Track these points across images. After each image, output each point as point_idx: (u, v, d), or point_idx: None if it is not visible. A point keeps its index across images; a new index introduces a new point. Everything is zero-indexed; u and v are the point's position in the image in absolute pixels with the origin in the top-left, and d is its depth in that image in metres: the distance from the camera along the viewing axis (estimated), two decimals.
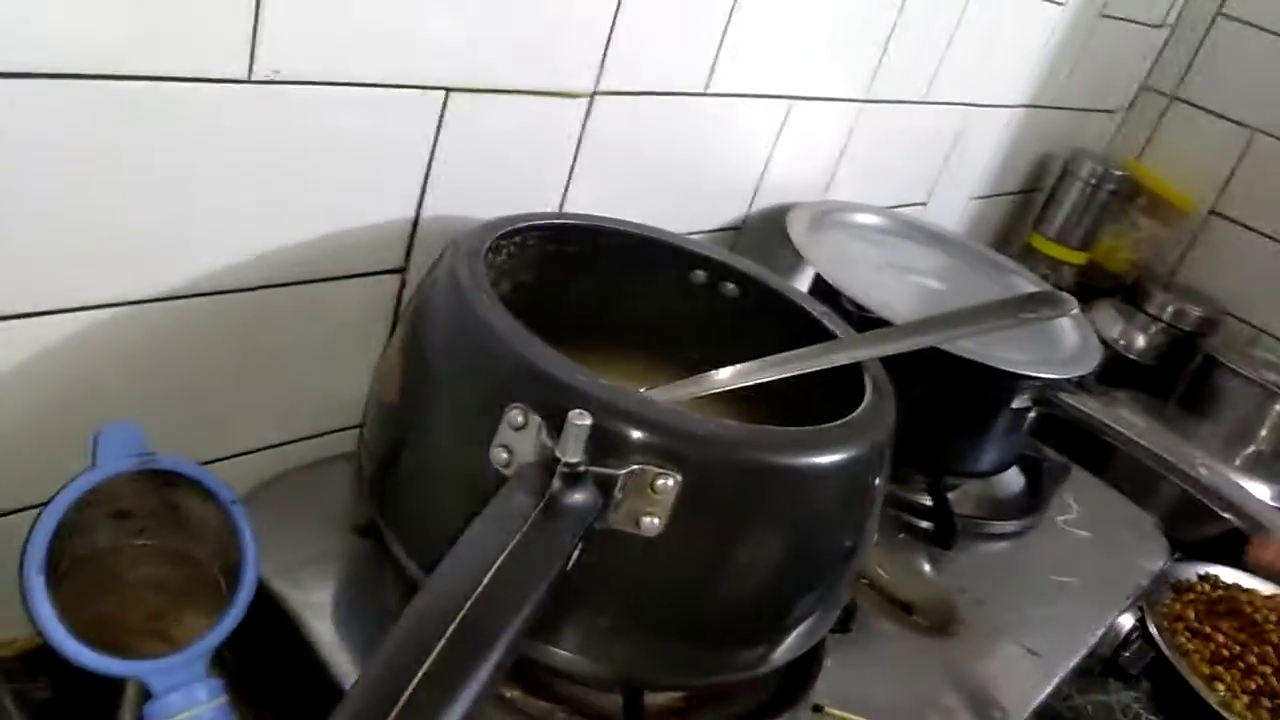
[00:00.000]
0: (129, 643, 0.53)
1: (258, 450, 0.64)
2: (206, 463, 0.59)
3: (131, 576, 0.56)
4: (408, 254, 0.64)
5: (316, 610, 0.56)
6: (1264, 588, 0.97)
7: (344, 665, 0.54)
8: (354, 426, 0.69)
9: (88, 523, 0.53)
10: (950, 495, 0.83)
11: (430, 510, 0.53)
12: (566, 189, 0.72)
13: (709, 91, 0.76)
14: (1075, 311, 0.57)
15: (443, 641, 0.32)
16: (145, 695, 0.50)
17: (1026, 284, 0.98)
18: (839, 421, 0.52)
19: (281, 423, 0.65)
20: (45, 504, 0.50)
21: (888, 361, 0.60)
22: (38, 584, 0.48)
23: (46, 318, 0.50)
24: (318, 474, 0.66)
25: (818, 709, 0.60)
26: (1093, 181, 1.27)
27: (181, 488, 0.55)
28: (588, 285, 0.67)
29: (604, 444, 0.44)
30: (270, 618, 0.56)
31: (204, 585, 0.56)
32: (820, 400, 0.56)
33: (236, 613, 0.52)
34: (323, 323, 0.62)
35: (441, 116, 0.60)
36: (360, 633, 0.56)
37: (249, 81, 0.50)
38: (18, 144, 0.44)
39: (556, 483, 0.41)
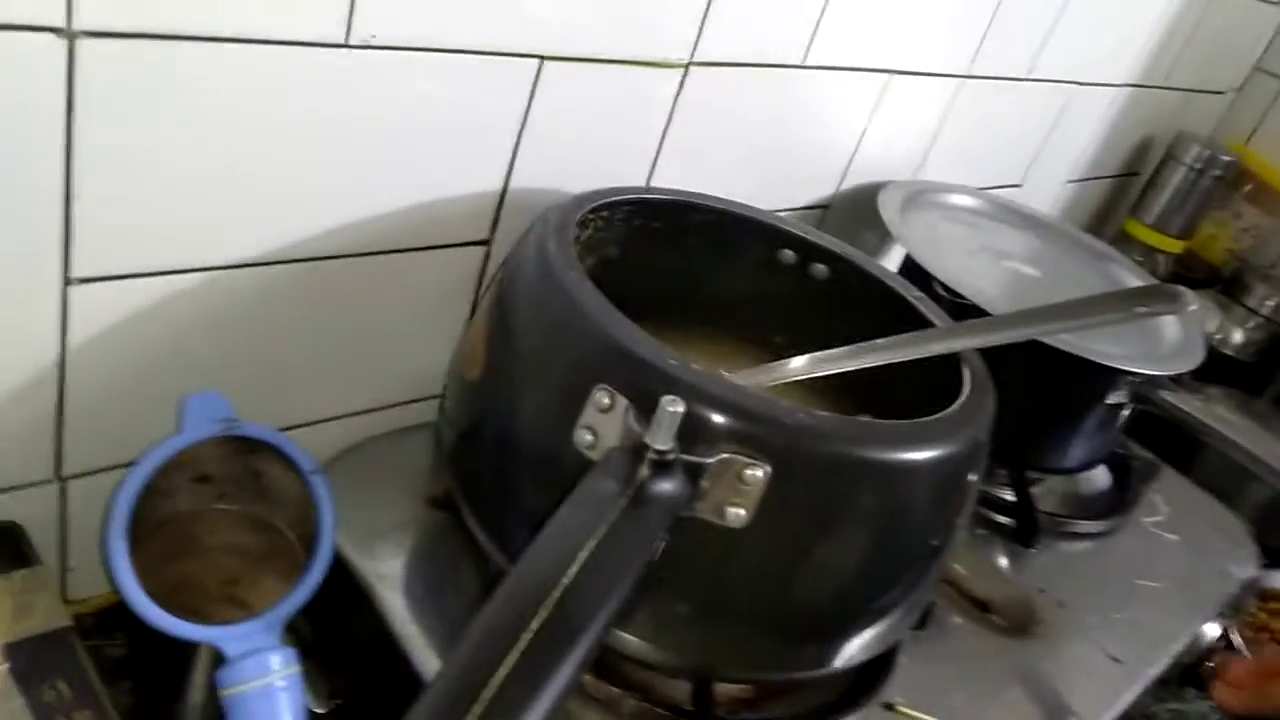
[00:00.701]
0: (205, 607, 0.53)
1: (339, 418, 0.64)
2: (287, 428, 0.59)
3: (210, 541, 0.56)
4: (494, 226, 0.63)
5: (389, 582, 0.56)
6: None
7: (414, 638, 0.54)
8: (434, 396, 0.68)
9: (171, 486, 0.53)
10: (1034, 491, 0.80)
11: (509, 487, 0.52)
12: (655, 162, 0.70)
13: (806, 64, 0.74)
14: (1191, 310, 0.54)
15: (530, 632, 0.31)
16: (219, 660, 0.50)
17: (1123, 271, 0.94)
18: (935, 416, 0.50)
19: (363, 391, 0.65)
20: (130, 465, 0.51)
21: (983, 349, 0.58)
22: (119, 546, 0.48)
23: (134, 280, 0.50)
24: (396, 444, 0.66)
25: (889, 707, 0.59)
26: (1197, 166, 1.22)
27: (263, 455, 0.55)
28: (674, 261, 0.66)
29: (693, 431, 0.43)
30: (344, 588, 0.55)
31: (281, 552, 0.56)
32: (912, 389, 0.54)
33: (312, 581, 0.52)
34: (406, 293, 0.62)
35: (534, 86, 0.58)
36: (432, 607, 0.56)
37: (345, 46, 0.49)
38: (107, 102, 0.44)
39: (645, 470, 0.40)
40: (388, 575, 0.57)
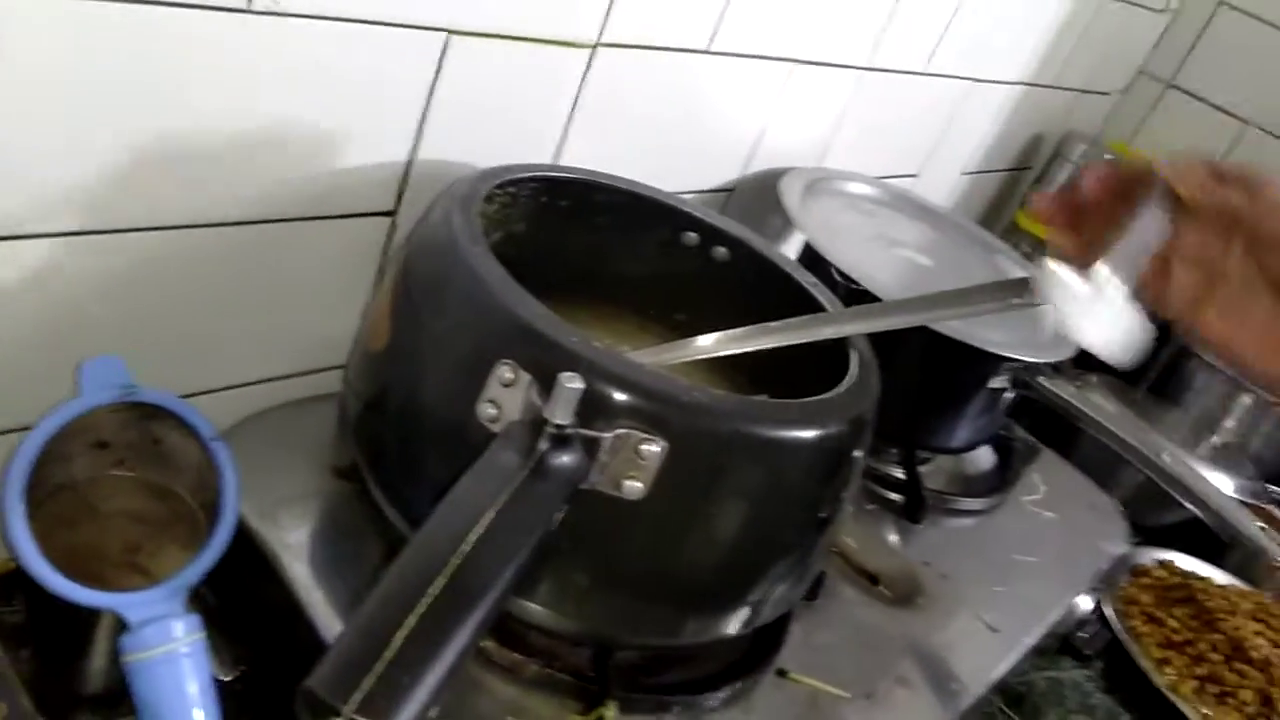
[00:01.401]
0: (106, 574, 0.53)
1: (241, 386, 0.64)
2: (189, 396, 0.59)
3: (109, 508, 0.55)
4: (399, 197, 0.64)
5: (294, 551, 0.57)
6: (1218, 577, 0.99)
7: (319, 607, 0.54)
8: (338, 366, 0.68)
9: (68, 452, 0.53)
10: (922, 470, 0.84)
11: (413, 459, 0.53)
12: (562, 142, 0.71)
13: (711, 50, 0.75)
14: None
15: (431, 596, 0.32)
16: (121, 627, 0.50)
17: (1010, 263, 0.99)
18: (823, 396, 0.53)
19: (266, 359, 0.65)
20: (26, 430, 0.50)
21: (872, 335, 0.60)
22: (16, 509, 0.48)
23: (28, 241, 0.49)
24: (300, 413, 0.66)
25: (782, 674, 0.61)
26: (1083, 164, 1.28)
27: (163, 421, 0.55)
28: (579, 240, 0.67)
29: (592, 407, 0.44)
30: (248, 556, 0.56)
31: (183, 520, 0.56)
32: (803, 369, 0.56)
33: (215, 549, 0.52)
34: (310, 261, 0.62)
35: (441, 59, 0.59)
36: (337, 575, 0.56)
37: (249, 11, 0.49)
38: (14, 64, 0.43)
39: (544, 443, 0.42)
40: (293, 544, 0.57)
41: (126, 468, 0.56)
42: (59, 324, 0.53)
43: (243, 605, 0.57)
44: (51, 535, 0.50)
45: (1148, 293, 0.46)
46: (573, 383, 0.41)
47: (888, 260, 0.89)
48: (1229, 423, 1.22)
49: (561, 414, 0.42)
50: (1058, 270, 0.44)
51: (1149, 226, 0.45)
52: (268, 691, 0.55)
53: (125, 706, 0.51)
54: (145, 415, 0.54)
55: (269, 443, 0.63)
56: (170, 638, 0.49)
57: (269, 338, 0.64)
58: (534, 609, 0.50)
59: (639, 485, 0.46)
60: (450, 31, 0.58)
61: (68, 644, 0.54)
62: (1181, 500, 0.75)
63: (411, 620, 0.31)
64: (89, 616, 0.53)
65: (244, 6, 0.49)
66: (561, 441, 0.42)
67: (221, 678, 0.54)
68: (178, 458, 0.56)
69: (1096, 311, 0.44)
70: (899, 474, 0.83)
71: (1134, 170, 0.47)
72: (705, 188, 0.87)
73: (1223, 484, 1.11)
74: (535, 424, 0.43)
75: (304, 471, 0.62)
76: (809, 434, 0.50)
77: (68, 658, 0.54)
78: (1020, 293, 0.57)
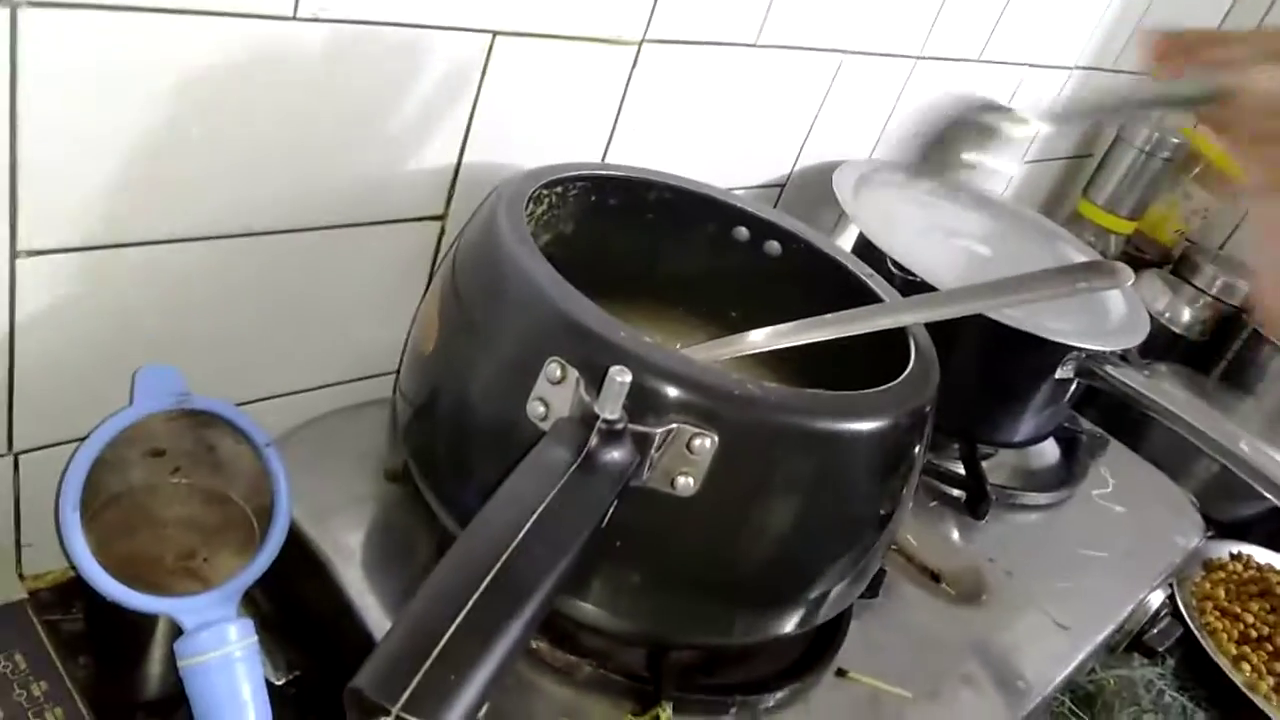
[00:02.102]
0: (162, 580, 0.54)
1: (294, 393, 0.65)
2: (243, 404, 0.59)
3: (165, 515, 0.56)
4: (448, 201, 0.63)
5: (346, 554, 0.57)
6: None
7: (372, 610, 0.54)
8: (390, 373, 0.68)
9: (124, 461, 0.54)
10: (985, 465, 0.82)
11: (464, 460, 0.53)
12: (610, 140, 0.70)
13: (759, 43, 0.74)
14: (1129, 284, 0.55)
15: (479, 593, 0.32)
16: (176, 632, 0.50)
17: (1074, 252, 0.96)
18: (881, 387, 0.51)
19: (318, 367, 0.65)
20: (83, 440, 0.51)
21: (930, 325, 0.59)
22: (73, 519, 0.48)
23: (83, 253, 0.50)
24: (352, 419, 0.66)
25: (841, 673, 0.60)
26: (1147, 148, 1.24)
27: (217, 428, 0.55)
28: (629, 238, 0.66)
29: (642, 402, 0.44)
30: (301, 561, 0.56)
31: (237, 526, 0.56)
32: (863, 364, 0.55)
33: (269, 553, 0.53)
34: (361, 268, 0.62)
35: (487, 61, 0.58)
36: (389, 578, 0.56)
37: (294, 19, 0.49)
38: (53, 73, 0.44)
39: (594, 439, 0.41)
40: (344, 548, 0.57)
41: (182, 475, 0.57)
42: (113, 336, 0.53)
43: (295, 609, 0.57)
44: (109, 543, 0.51)
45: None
46: (622, 376, 0.41)
47: (945, 251, 0.87)
48: None
49: (611, 408, 0.41)
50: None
51: None
52: (320, 695, 0.55)
53: (180, 713, 0.52)
54: (200, 423, 0.55)
55: (321, 448, 0.63)
56: (225, 642, 0.49)
57: (321, 345, 0.64)
58: (587, 609, 0.50)
59: (691, 481, 0.45)
60: (495, 32, 0.58)
61: (125, 651, 0.55)
62: (1259, 488, 0.72)
63: (460, 617, 0.31)
64: (145, 623, 0.53)
65: (289, 14, 0.49)
66: (612, 436, 0.41)
67: (275, 682, 0.54)
68: (232, 464, 0.56)
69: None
70: (961, 469, 0.80)
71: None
72: (756, 183, 0.86)
73: None
74: (585, 420, 0.42)
75: (356, 476, 0.62)
76: (865, 426, 0.48)
77: (125, 664, 0.55)
78: (1087, 277, 0.55)
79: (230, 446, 0.55)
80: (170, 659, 0.50)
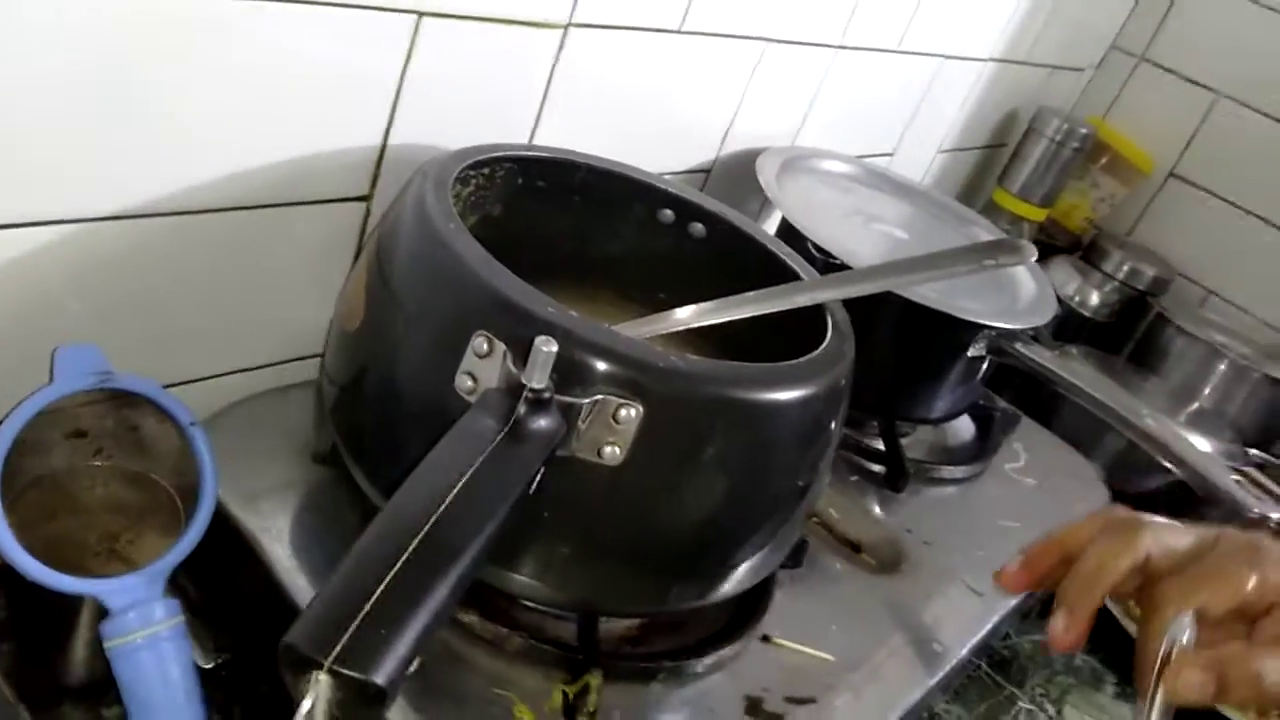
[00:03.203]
0: (86, 563, 0.53)
1: (219, 376, 0.64)
2: (168, 387, 0.59)
3: (88, 497, 0.55)
4: (374, 182, 0.64)
5: (275, 535, 0.56)
6: None
7: (302, 591, 0.54)
8: (316, 355, 0.68)
9: (44, 442, 0.53)
10: (904, 441, 0.85)
11: (392, 438, 0.53)
12: (537, 124, 0.71)
13: (683, 29, 0.76)
14: (1033, 260, 0.58)
15: (408, 553, 0.33)
16: (102, 614, 0.50)
17: (988, 236, 0.99)
18: (797, 360, 0.53)
19: (243, 349, 0.65)
20: (0, 421, 0.50)
21: (849, 308, 0.61)
22: None
23: (3, 232, 0.49)
24: (278, 401, 0.66)
25: (766, 639, 0.62)
26: (1057, 139, 1.28)
27: (139, 408, 0.55)
28: (556, 221, 0.67)
29: (569, 373, 0.45)
30: (228, 542, 0.56)
31: (162, 508, 0.56)
32: (784, 342, 0.57)
33: (195, 533, 0.53)
34: (286, 248, 0.62)
35: (413, 41, 0.59)
36: (319, 557, 0.56)
37: None
38: None
39: (521, 408, 0.42)
40: (273, 529, 0.57)
41: (104, 457, 0.56)
42: (31, 316, 0.53)
43: (225, 593, 0.57)
44: (30, 526, 0.50)
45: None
46: (548, 346, 0.42)
47: (866, 235, 0.90)
48: (1208, 389, 1.23)
49: (538, 378, 0.42)
50: None
51: None
52: (251, 678, 0.55)
53: (109, 697, 0.51)
54: (122, 402, 0.54)
55: (247, 431, 0.63)
56: (151, 622, 0.49)
57: (245, 327, 0.64)
58: (517, 580, 0.51)
59: (617, 451, 0.46)
60: (421, 13, 0.58)
61: (50, 636, 0.54)
62: (1162, 460, 0.76)
63: (389, 576, 0.31)
64: (70, 607, 0.53)
65: None
66: (538, 406, 0.42)
67: (204, 665, 0.54)
68: (155, 445, 0.56)
69: None
70: (880, 445, 0.83)
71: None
72: (683, 169, 0.88)
73: (1203, 447, 1.11)
74: (512, 390, 0.43)
75: (283, 458, 0.62)
76: (784, 396, 0.50)
77: (50, 649, 0.54)
78: (994, 254, 0.58)
79: (154, 426, 0.55)
80: (97, 643, 0.50)
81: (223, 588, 0.58)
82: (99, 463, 0.56)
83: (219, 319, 0.62)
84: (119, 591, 0.50)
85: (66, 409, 0.52)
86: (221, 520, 0.55)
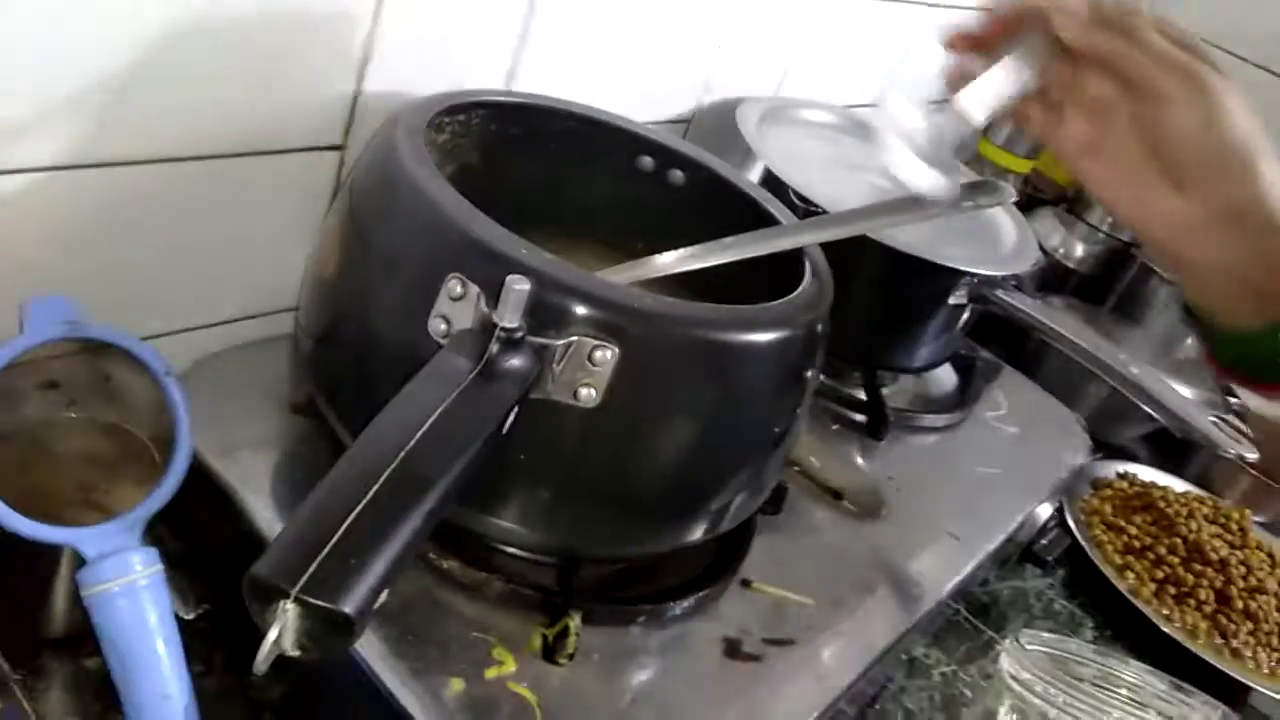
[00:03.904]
0: (63, 514, 0.53)
1: (193, 329, 0.64)
2: (141, 339, 0.58)
3: (62, 449, 0.55)
4: (347, 131, 0.63)
5: (254, 485, 0.56)
6: (1177, 485, 1.01)
7: None
8: (292, 308, 0.68)
9: (17, 393, 0.52)
10: (885, 390, 0.85)
11: (368, 384, 0.53)
12: (513, 73, 0.70)
13: None
14: (1011, 202, 0.58)
15: (378, 484, 0.32)
16: (79, 564, 0.49)
17: None
18: (774, 302, 0.53)
19: (217, 301, 0.64)
20: None
21: (831, 258, 0.61)
22: None
23: None
24: (254, 353, 0.65)
25: (746, 584, 0.62)
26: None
27: (113, 359, 0.54)
28: (534, 169, 0.67)
29: (543, 315, 0.44)
30: (207, 493, 0.55)
31: (138, 458, 0.55)
32: (764, 289, 0.56)
33: (172, 482, 0.52)
34: (258, 198, 0.61)
35: None
36: (297, 505, 0.56)
37: None
38: None
39: (494, 346, 0.42)
40: (252, 479, 0.57)
41: (78, 408, 0.55)
42: (2, 266, 0.52)
43: (203, 544, 0.57)
44: (4, 479, 0.50)
45: (1041, 131, 0.48)
46: (520, 285, 0.41)
47: (848, 184, 0.89)
48: (1190, 339, 1.24)
49: (510, 317, 0.42)
50: (893, 98, 0.45)
51: (1020, 65, 0.46)
52: (231, 628, 0.55)
53: (88, 647, 0.51)
54: (94, 353, 0.54)
55: (225, 383, 0.62)
56: (129, 570, 0.49)
57: (219, 278, 0.63)
58: (496, 524, 0.51)
59: (593, 392, 0.46)
60: None
61: (28, 588, 0.54)
62: (1145, 408, 0.76)
63: (358, 507, 0.31)
64: (48, 558, 0.52)
65: None
66: (511, 345, 0.42)
67: (184, 616, 0.54)
68: (129, 395, 0.55)
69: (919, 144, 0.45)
70: (862, 394, 0.83)
71: (1026, 7, 0.47)
72: (664, 118, 0.87)
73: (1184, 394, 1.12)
74: (484, 329, 0.43)
75: (260, 409, 0.61)
76: (760, 338, 0.50)
77: (29, 601, 0.54)
78: (972, 195, 0.58)
79: (127, 377, 0.54)
80: (77, 595, 0.50)
81: (203, 540, 0.58)
82: (73, 414, 0.55)
83: (191, 270, 0.61)
84: (95, 539, 0.49)
85: (38, 360, 0.52)
86: (200, 472, 0.55)
